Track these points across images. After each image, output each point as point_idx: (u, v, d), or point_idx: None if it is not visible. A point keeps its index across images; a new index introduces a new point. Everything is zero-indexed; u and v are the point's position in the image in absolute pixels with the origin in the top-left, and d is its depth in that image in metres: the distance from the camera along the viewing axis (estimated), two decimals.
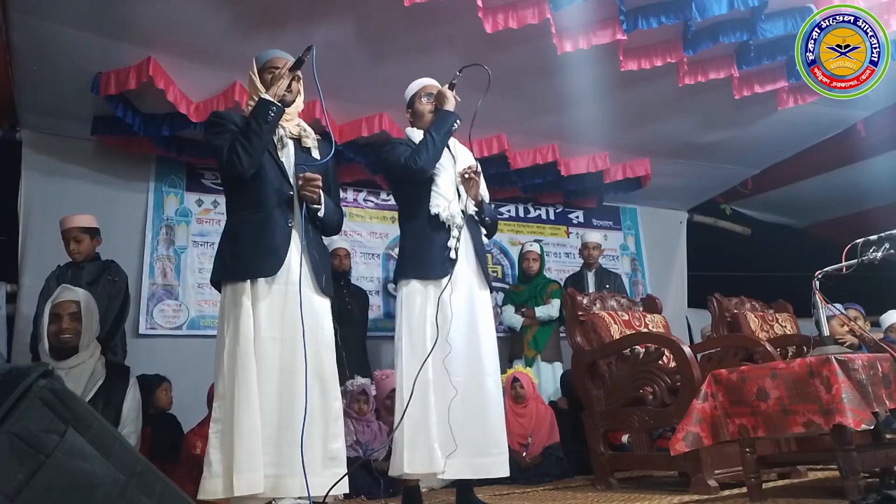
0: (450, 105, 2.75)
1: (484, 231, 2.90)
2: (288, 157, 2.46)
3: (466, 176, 2.73)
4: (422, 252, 2.69)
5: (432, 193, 2.72)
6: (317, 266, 2.42)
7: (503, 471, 2.63)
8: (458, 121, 2.75)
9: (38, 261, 4.05)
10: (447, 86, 2.79)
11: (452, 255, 2.66)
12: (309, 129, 2.56)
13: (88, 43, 3.71)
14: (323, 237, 2.60)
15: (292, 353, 2.26)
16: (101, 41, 3.72)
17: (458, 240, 2.69)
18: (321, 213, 2.45)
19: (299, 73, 2.45)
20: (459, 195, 2.76)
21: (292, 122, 2.50)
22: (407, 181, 2.76)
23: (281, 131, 2.44)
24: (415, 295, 2.66)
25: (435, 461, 2.46)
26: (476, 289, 2.76)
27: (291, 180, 2.42)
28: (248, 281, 2.28)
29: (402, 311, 2.68)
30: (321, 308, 2.41)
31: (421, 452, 2.47)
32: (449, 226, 2.69)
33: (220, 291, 2.40)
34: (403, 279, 2.71)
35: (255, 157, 2.33)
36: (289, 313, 2.29)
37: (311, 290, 2.37)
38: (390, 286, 5.74)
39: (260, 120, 2.32)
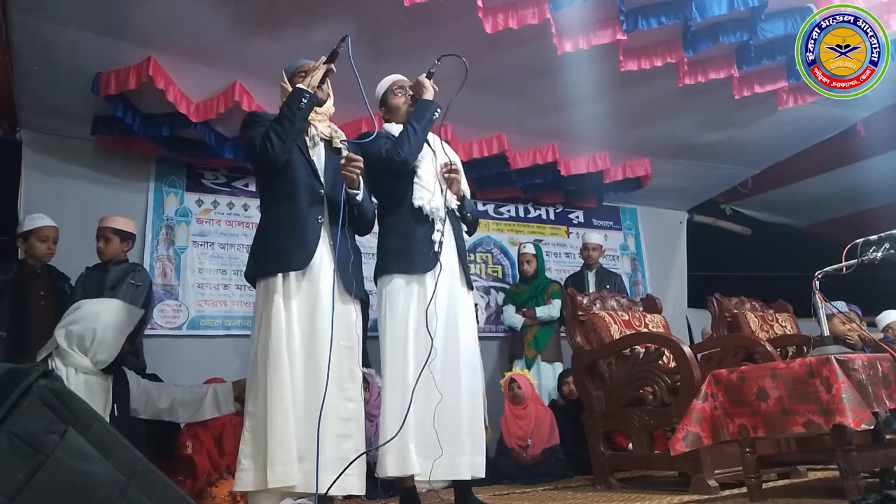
0: (428, 94, 2.71)
1: (465, 227, 2.85)
2: (318, 156, 2.49)
3: (445, 175, 2.71)
4: (405, 246, 2.64)
5: (415, 186, 2.67)
6: (343, 266, 2.40)
7: (480, 471, 2.58)
8: (438, 109, 2.70)
9: None
10: (425, 75, 2.75)
11: (437, 248, 2.61)
12: (340, 132, 2.60)
13: (88, 43, 3.70)
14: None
15: (315, 350, 2.29)
16: (101, 41, 3.71)
17: (443, 233, 2.64)
18: (360, 198, 2.47)
19: (333, 66, 2.46)
20: (442, 189, 2.72)
21: (323, 124, 2.54)
22: (388, 174, 2.69)
23: (313, 130, 2.49)
24: (398, 291, 2.61)
25: (409, 463, 2.43)
26: (457, 285, 2.71)
27: (322, 179, 2.46)
28: (280, 276, 2.32)
29: (385, 308, 2.62)
30: (348, 309, 2.42)
31: (395, 455, 2.43)
32: (432, 219, 2.65)
33: (254, 287, 2.44)
34: (385, 275, 2.65)
35: (288, 143, 2.37)
36: (316, 310, 2.33)
37: (339, 291, 2.39)
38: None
39: (293, 107, 2.37)
